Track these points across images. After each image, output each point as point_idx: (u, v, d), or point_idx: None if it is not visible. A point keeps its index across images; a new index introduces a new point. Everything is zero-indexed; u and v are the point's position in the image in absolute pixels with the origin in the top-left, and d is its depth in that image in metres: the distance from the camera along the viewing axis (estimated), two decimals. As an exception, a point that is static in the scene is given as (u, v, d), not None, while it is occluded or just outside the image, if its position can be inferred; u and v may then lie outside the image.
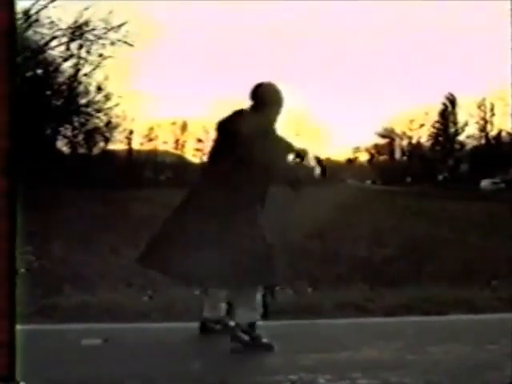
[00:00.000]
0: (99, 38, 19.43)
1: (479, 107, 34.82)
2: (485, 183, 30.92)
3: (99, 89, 20.57)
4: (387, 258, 9.93)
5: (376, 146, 37.80)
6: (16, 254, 2.21)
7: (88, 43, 19.60)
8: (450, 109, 36.17)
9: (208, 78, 42.28)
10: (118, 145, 23.82)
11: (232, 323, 5.01)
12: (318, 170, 5.30)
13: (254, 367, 4.59)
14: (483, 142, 34.23)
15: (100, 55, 19.81)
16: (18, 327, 2.93)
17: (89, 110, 20.88)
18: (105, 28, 19.40)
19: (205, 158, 31.68)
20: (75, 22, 19.06)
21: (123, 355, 4.71)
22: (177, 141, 31.55)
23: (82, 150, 21.10)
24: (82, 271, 7.75)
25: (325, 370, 4.22)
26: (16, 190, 2.21)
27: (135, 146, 28.08)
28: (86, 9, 18.89)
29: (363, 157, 38.85)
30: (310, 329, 5.36)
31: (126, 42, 19.67)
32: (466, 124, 35.58)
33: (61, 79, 19.64)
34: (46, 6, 17.85)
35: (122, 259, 8.71)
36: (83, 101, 20.47)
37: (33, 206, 10.74)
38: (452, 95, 35.66)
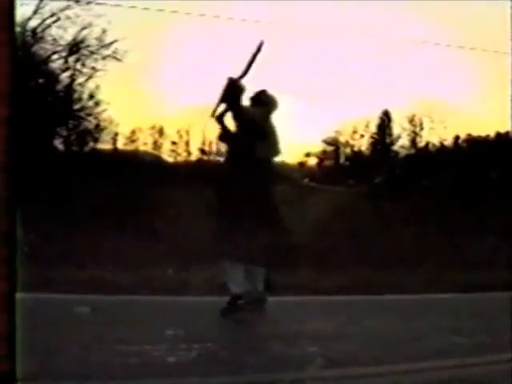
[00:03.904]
0: (93, 53, 19.36)
1: (410, 122, 34.91)
2: None
3: (91, 96, 20.40)
4: (331, 246, 10.00)
5: (324, 152, 37.63)
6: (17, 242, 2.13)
7: (83, 57, 19.49)
8: (386, 122, 36.17)
9: (181, 87, 41.44)
10: (105, 145, 23.60)
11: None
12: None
13: (227, 334, 4.59)
14: (413, 151, 34.31)
15: (93, 68, 19.72)
16: (18, 295, 2.90)
17: (81, 114, 20.67)
18: (98, 45, 19.32)
19: (179, 158, 31.61)
20: (73, 39, 19.00)
21: (108, 322, 4.69)
22: (155, 142, 31.13)
23: (74, 148, 20.84)
24: (74, 251, 7.71)
25: (278, 338, 4.24)
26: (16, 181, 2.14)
27: (119, 146, 27.79)
28: (83, 29, 18.88)
29: (313, 161, 38.59)
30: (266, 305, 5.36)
31: (114, 57, 19.62)
32: (399, 136, 35.66)
33: (59, 87, 19.48)
34: (49, 26, 17.90)
35: (108, 241, 8.69)
36: (77, 106, 20.28)
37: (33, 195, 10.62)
38: (388, 111, 35.69)
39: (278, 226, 5.00)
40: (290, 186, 23.59)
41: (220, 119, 5.07)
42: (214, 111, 5.04)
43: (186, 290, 6.06)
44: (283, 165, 34.59)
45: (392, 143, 38.28)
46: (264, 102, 5.22)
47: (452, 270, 8.27)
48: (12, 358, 2.13)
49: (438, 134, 35.24)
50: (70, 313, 4.71)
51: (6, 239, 2.09)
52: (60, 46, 19.96)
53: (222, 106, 5.09)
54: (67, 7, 18.94)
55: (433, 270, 8.14)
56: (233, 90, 5.03)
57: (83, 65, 20.96)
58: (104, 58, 21.27)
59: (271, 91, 5.31)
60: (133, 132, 32.80)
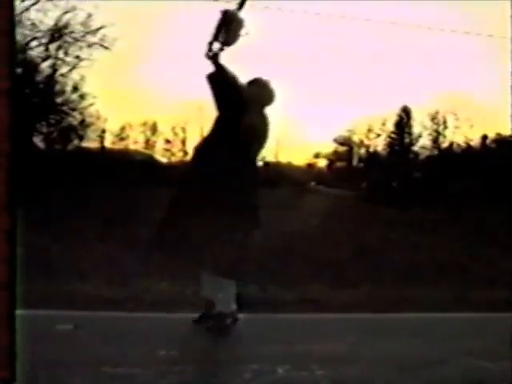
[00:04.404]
0: (77, 40, 19.32)
1: (432, 120, 34.87)
2: None
3: (75, 89, 20.41)
4: (343, 259, 10.02)
5: (335, 153, 37.59)
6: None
7: (66, 45, 19.44)
8: (405, 120, 36.07)
9: (176, 79, 41.49)
10: (91, 143, 23.57)
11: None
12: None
13: (217, 355, 4.62)
14: (436, 152, 34.23)
15: (77, 57, 19.66)
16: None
17: (64, 108, 20.69)
18: (83, 31, 19.28)
19: (173, 159, 31.52)
20: (55, 24, 18.94)
21: (94, 340, 4.72)
22: (147, 141, 31.08)
23: (56, 147, 20.83)
24: (55, 261, 7.75)
25: (284, 360, 4.27)
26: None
27: (107, 144, 27.74)
28: (66, 12, 18.80)
29: (322, 162, 38.49)
30: (272, 322, 5.41)
31: (102, 45, 19.56)
32: (419, 135, 35.60)
33: (39, 78, 19.47)
34: (28, 9, 17.82)
35: (95, 253, 8.73)
36: (59, 100, 20.29)
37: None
38: (407, 107, 35.56)
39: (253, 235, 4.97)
40: (293, 190, 23.62)
41: (215, 58, 4.95)
42: (209, 50, 4.93)
43: (180, 305, 6.08)
44: (289, 166, 34.64)
45: (412, 143, 38.17)
46: (257, 94, 5.10)
47: (477, 286, 8.27)
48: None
49: (464, 133, 35.23)
50: (52, 331, 4.73)
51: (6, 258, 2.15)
52: (40, 31, 19.75)
53: (217, 44, 4.97)
54: (48, -12, 18.89)
55: (455, 286, 8.15)
56: (229, 23, 4.94)
57: (66, 53, 20.82)
58: (90, 45, 21.13)
59: (278, 86, 5.23)
60: (122, 129, 32.80)
